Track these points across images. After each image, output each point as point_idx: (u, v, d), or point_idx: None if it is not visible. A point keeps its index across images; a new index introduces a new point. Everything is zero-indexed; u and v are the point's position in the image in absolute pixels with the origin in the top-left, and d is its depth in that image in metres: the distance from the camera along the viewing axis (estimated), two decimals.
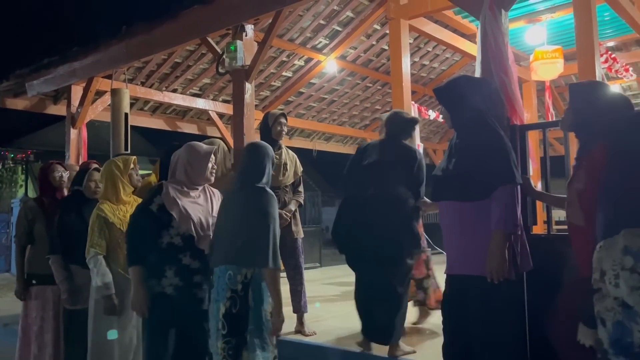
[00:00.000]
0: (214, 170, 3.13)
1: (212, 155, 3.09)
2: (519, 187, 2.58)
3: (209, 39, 5.35)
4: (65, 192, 4.14)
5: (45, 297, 3.91)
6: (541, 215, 4.58)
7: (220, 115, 9.08)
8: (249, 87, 5.04)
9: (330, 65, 8.53)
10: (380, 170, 3.64)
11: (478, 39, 3.32)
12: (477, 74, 3.28)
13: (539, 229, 4.77)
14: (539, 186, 4.57)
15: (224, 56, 5.00)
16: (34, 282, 3.91)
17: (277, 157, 4.43)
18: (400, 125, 3.84)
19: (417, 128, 4.00)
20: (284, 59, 8.31)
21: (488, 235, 2.53)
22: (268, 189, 2.92)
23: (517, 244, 2.63)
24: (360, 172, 3.74)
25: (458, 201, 2.66)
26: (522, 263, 2.66)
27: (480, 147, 2.62)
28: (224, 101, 8.85)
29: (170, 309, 2.84)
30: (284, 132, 4.53)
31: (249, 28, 5.09)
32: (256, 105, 9.22)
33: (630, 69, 7.47)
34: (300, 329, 4.38)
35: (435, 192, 2.86)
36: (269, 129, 4.44)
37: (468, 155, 2.66)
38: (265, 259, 2.74)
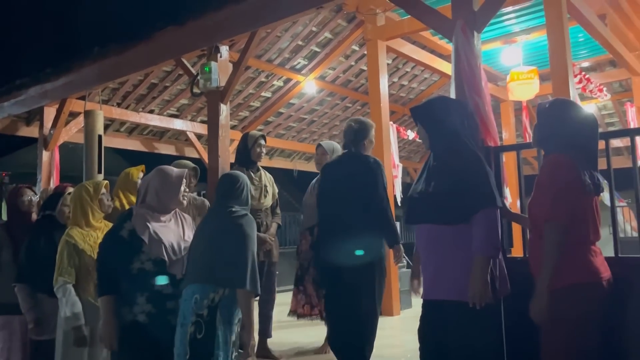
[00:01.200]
0: (186, 194, 3.07)
1: (184, 179, 3.03)
2: (499, 210, 2.55)
3: (184, 60, 5.30)
4: (34, 217, 4.02)
5: (12, 328, 3.76)
6: (518, 236, 4.56)
7: (199, 136, 8.99)
8: (224, 109, 4.99)
9: (309, 85, 8.54)
10: (341, 196, 3.50)
11: (452, 60, 3.32)
12: (452, 95, 3.27)
13: (516, 251, 4.74)
14: (517, 204, 4.56)
15: (198, 77, 4.95)
16: None
17: (257, 179, 4.37)
18: (350, 136, 3.63)
19: (372, 132, 3.72)
20: (263, 79, 8.29)
21: (466, 260, 2.48)
22: (249, 214, 2.89)
23: (495, 267, 2.58)
24: (325, 203, 3.61)
25: (436, 224, 2.60)
26: (500, 287, 2.62)
27: (460, 169, 2.57)
28: (202, 122, 8.76)
29: (143, 337, 2.72)
30: (263, 154, 4.49)
31: (224, 49, 5.06)
32: (235, 126, 9.16)
33: (604, 89, 7.59)
34: (265, 353, 4.30)
35: (412, 214, 2.77)
36: (248, 151, 4.38)
37: (447, 177, 2.60)
38: (242, 280, 2.67)
